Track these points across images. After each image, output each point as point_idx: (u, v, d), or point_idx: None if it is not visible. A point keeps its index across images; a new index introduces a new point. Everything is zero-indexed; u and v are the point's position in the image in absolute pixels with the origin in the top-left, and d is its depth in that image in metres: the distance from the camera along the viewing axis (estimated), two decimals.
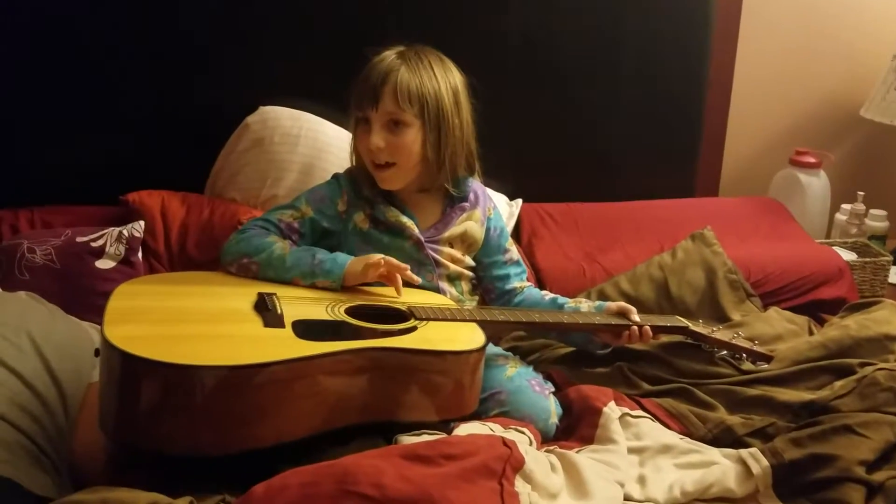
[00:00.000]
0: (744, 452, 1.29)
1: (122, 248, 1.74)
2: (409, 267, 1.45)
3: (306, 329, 1.28)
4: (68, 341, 1.43)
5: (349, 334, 1.30)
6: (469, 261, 1.63)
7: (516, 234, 2.08)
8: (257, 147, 1.90)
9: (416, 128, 1.49)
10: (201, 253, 1.81)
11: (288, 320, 1.30)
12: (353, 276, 1.44)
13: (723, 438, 1.39)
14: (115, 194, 1.86)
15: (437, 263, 1.56)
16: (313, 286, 1.45)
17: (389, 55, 1.50)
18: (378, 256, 1.44)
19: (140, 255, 1.77)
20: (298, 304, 1.38)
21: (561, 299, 1.62)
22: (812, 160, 2.31)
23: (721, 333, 1.59)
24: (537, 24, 2.07)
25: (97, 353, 1.25)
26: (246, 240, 1.48)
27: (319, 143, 1.91)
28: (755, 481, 1.25)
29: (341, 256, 1.47)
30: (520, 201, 2.12)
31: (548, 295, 1.65)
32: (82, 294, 1.66)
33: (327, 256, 1.47)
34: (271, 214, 1.55)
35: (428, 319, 1.39)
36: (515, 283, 1.65)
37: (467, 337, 1.37)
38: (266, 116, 1.92)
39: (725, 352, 1.58)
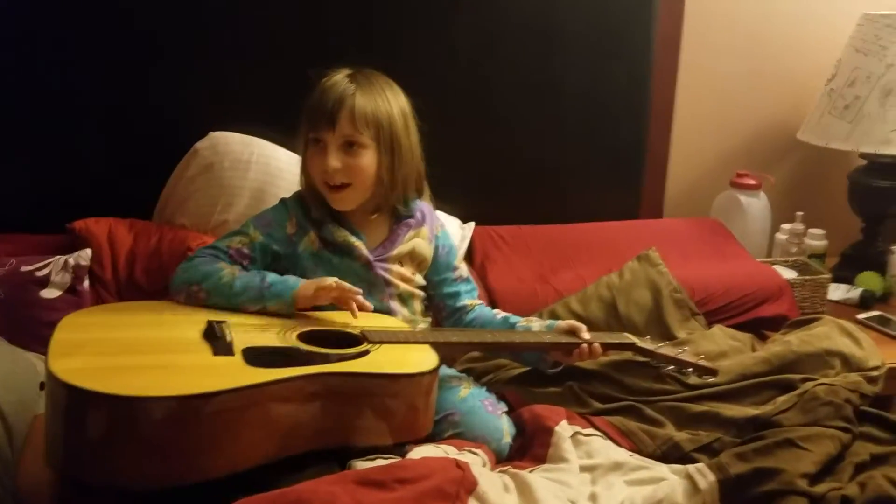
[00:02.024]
0: (691, 468, 1.32)
1: (67, 277, 1.71)
2: (361, 291, 1.46)
3: (257, 356, 1.27)
4: (12, 372, 1.40)
5: (301, 360, 1.30)
6: (420, 280, 1.64)
7: (469, 256, 2.09)
8: (207, 173, 1.89)
9: (371, 150, 1.51)
10: (150, 281, 1.78)
11: (238, 348, 1.29)
12: (303, 298, 1.44)
13: (671, 454, 1.42)
14: (62, 222, 1.83)
15: (388, 283, 1.57)
16: (264, 311, 1.44)
17: (340, 78, 1.52)
18: (331, 280, 1.45)
19: (87, 283, 1.74)
20: (249, 331, 1.37)
21: (513, 318, 1.65)
22: (752, 182, 2.38)
23: (667, 349, 1.62)
24: (484, 50, 2.11)
25: (42, 386, 1.22)
26: (193, 267, 1.48)
27: (271, 169, 1.91)
28: (702, 496, 1.27)
29: (292, 279, 1.47)
30: (472, 224, 2.14)
31: (499, 314, 1.67)
32: (27, 324, 1.62)
33: (277, 279, 1.47)
34: (220, 242, 1.55)
35: (381, 343, 1.39)
36: (466, 301, 1.67)
37: (420, 359, 1.38)
38: (216, 142, 1.91)
39: (672, 367, 1.61)
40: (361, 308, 1.45)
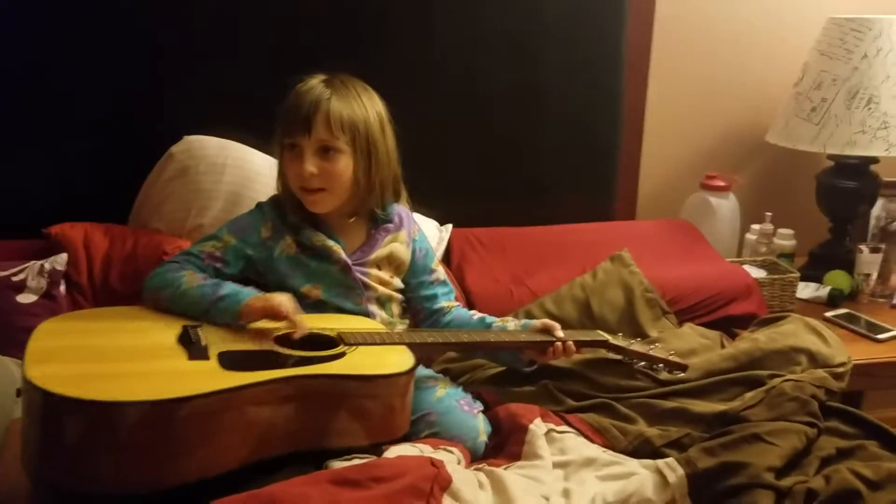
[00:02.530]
0: (661, 463, 1.34)
1: (43, 282, 1.70)
2: (308, 330, 1.41)
3: (232, 360, 1.28)
4: None
5: (277, 363, 1.30)
6: (398, 283, 1.65)
7: (447, 258, 2.11)
8: (182, 177, 1.89)
9: (347, 154, 1.51)
10: (125, 285, 1.78)
11: (213, 352, 1.30)
12: (249, 314, 1.40)
13: (642, 450, 1.44)
14: (37, 227, 1.83)
15: (366, 286, 1.59)
16: (213, 323, 1.41)
17: (316, 83, 1.52)
18: (280, 300, 1.41)
19: (63, 288, 1.74)
20: (224, 335, 1.37)
21: (489, 319, 1.67)
22: (721, 183, 2.42)
23: (638, 345, 1.65)
24: (462, 56, 2.13)
25: (18, 393, 1.22)
26: (160, 275, 1.48)
27: (247, 172, 1.91)
28: (672, 490, 1.30)
29: (244, 293, 1.44)
30: (450, 226, 2.16)
31: (476, 315, 1.69)
32: (3, 329, 1.62)
33: (230, 291, 1.43)
34: (194, 247, 1.55)
35: (357, 344, 1.40)
36: (443, 303, 1.68)
37: (396, 360, 1.39)
38: (191, 146, 1.92)
39: (644, 363, 1.64)
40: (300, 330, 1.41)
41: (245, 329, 1.40)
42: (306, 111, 1.48)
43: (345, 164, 1.52)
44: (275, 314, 1.40)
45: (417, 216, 1.81)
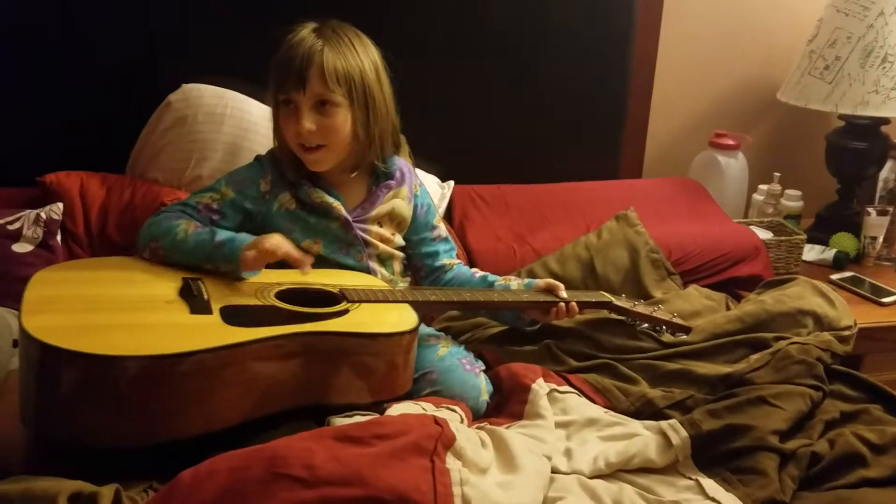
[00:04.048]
0: (664, 424, 1.34)
1: (39, 232, 1.68)
2: (309, 262, 1.41)
3: (235, 315, 1.26)
4: None
5: (280, 319, 1.29)
6: (399, 240, 1.62)
7: (448, 215, 2.09)
8: (180, 126, 1.85)
9: (345, 108, 1.47)
10: (122, 236, 1.75)
11: (215, 306, 1.28)
12: (246, 264, 1.38)
13: (644, 411, 1.43)
14: (32, 175, 1.79)
15: (367, 243, 1.56)
16: (216, 270, 1.39)
17: (306, 34, 1.46)
18: (272, 243, 1.38)
19: (59, 238, 1.71)
20: (226, 288, 1.36)
21: (491, 277, 1.65)
22: (730, 142, 2.39)
23: (642, 307, 1.64)
24: (466, 10, 2.07)
25: (16, 344, 1.21)
26: (157, 223, 1.45)
27: (245, 123, 1.87)
28: (675, 451, 1.29)
29: (240, 238, 1.41)
30: (451, 183, 2.13)
31: (478, 273, 1.67)
32: None
33: (227, 237, 1.40)
34: (190, 198, 1.52)
35: (360, 302, 1.38)
36: (444, 260, 1.66)
37: (400, 318, 1.38)
38: (189, 94, 1.87)
39: (647, 324, 1.63)
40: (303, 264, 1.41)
41: (247, 282, 1.38)
42: (299, 65, 1.42)
43: (343, 118, 1.47)
44: (272, 258, 1.37)
45: (418, 172, 1.78)
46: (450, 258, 1.68)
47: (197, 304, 1.28)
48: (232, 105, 1.88)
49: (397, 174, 1.62)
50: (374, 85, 1.49)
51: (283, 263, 1.44)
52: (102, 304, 1.25)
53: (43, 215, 1.70)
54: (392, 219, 1.61)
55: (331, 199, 1.53)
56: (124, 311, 1.25)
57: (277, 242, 1.39)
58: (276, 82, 1.47)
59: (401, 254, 1.63)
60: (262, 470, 1.04)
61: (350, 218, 1.54)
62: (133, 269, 1.41)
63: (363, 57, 1.48)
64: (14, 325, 1.42)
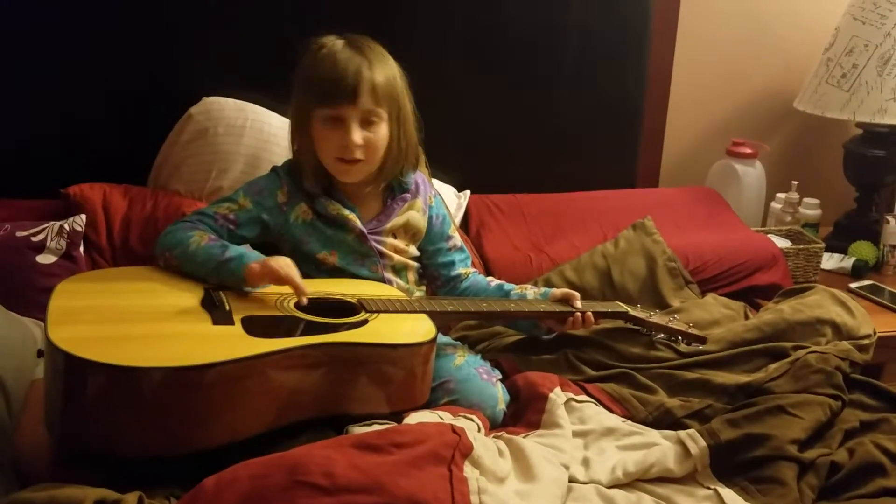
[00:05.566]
0: (682, 433, 1.33)
1: (63, 243, 1.70)
2: (307, 295, 1.38)
3: (256, 325, 1.27)
4: (10, 338, 1.40)
5: (300, 330, 1.30)
6: (414, 251, 1.63)
7: (465, 225, 2.10)
8: (201, 138, 1.88)
9: (385, 122, 1.50)
10: (144, 247, 1.77)
11: (237, 317, 1.29)
12: (251, 279, 1.38)
13: (662, 420, 1.43)
14: (56, 188, 1.82)
15: (382, 255, 1.57)
16: (222, 285, 1.39)
17: (342, 48, 1.47)
18: (278, 263, 1.38)
19: (82, 249, 1.74)
20: (247, 299, 1.37)
21: (507, 286, 1.65)
22: (748, 151, 2.38)
23: (658, 317, 1.64)
24: (482, 17, 2.09)
25: (40, 353, 1.22)
26: (172, 233, 1.47)
27: (265, 135, 1.90)
28: (693, 461, 1.29)
29: (249, 255, 1.41)
30: (468, 192, 2.14)
31: (493, 281, 1.67)
32: (23, 290, 1.62)
33: (236, 254, 1.41)
34: (208, 208, 1.53)
35: (378, 312, 1.39)
36: (460, 270, 1.67)
37: (418, 328, 1.38)
38: (210, 107, 1.90)
39: (663, 335, 1.63)
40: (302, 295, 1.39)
41: (267, 293, 1.40)
42: (352, 81, 1.44)
43: (384, 133, 1.50)
44: (275, 279, 1.38)
45: (435, 182, 1.78)
46: (465, 267, 1.69)
47: (219, 314, 1.29)
48: (252, 117, 1.91)
49: (412, 187, 1.63)
50: (403, 99, 1.52)
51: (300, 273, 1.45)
52: (126, 315, 1.27)
53: (66, 227, 1.72)
54: (407, 230, 1.62)
55: (346, 212, 1.54)
56: (148, 322, 1.26)
57: (282, 265, 1.38)
58: (320, 97, 1.47)
59: (416, 264, 1.64)
60: (283, 477, 1.05)
61: (365, 230, 1.55)
62: (154, 280, 1.42)
63: (396, 71, 1.51)
64: (38, 336, 1.45)
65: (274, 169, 1.60)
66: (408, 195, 1.62)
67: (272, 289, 1.42)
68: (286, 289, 1.41)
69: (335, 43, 1.49)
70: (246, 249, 1.45)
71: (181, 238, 1.44)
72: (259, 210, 1.53)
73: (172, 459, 1.17)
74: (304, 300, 1.37)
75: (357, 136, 1.47)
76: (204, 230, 1.48)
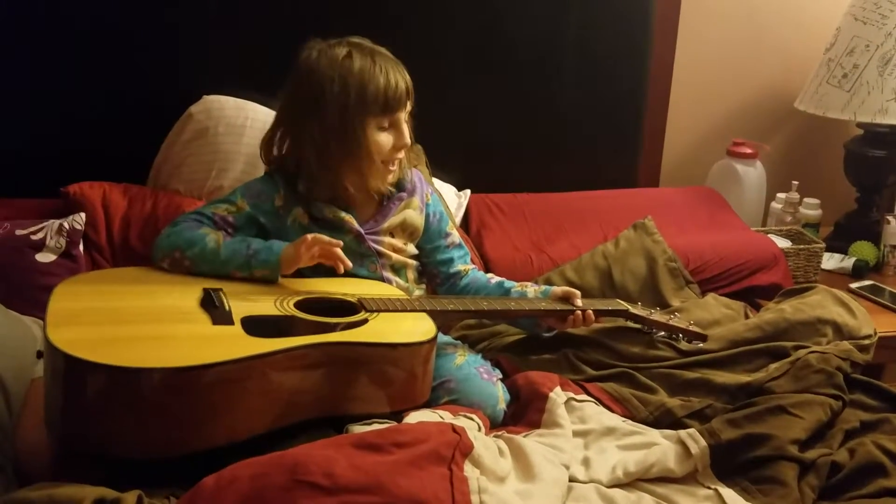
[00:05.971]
0: (683, 433, 1.33)
1: (62, 241, 1.70)
2: (341, 243, 1.45)
3: (256, 325, 1.27)
4: (9, 337, 1.40)
5: (300, 329, 1.30)
6: (412, 249, 1.63)
7: (465, 224, 2.10)
8: (201, 138, 1.88)
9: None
10: (144, 246, 1.77)
11: (237, 317, 1.29)
12: (288, 262, 1.43)
13: (663, 420, 1.43)
14: (56, 186, 1.82)
15: (380, 254, 1.57)
16: (251, 277, 1.43)
17: (380, 58, 1.48)
18: (307, 236, 1.43)
19: (81, 248, 1.74)
20: (246, 299, 1.36)
21: (507, 283, 1.65)
22: (748, 151, 2.38)
23: (659, 315, 1.64)
24: (482, 17, 2.09)
25: (40, 354, 1.22)
26: (178, 233, 1.46)
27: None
28: (694, 461, 1.29)
29: (275, 244, 1.46)
30: (468, 192, 2.14)
31: (493, 278, 1.67)
32: (22, 288, 1.62)
33: (261, 246, 1.45)
34: (206, 208, 1.53)
35: (378, 311, 1.39)
36: (459, 267, 1.67)
37: (419, 328, 1.38)
38: (210, 106, 1.90)
39: (663, 333, 1.62)
40: (343, 263, 1.44)
41: (266, 292, 1.39)
42: (404, 87, 1.49)
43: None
44: (323, 254, 1.42)
45: (436, 181, 1.78)
46: (464, 264, 1.69)
47: (218, 314, 1.29)
48: (252, 116, 1.90)
49: (408, 185, 1.63)
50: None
51: (300, 272, 1.46)
52: (126, 316, 1.27)
53: (66, 225, 1.72)
54: (404, 229, 1.62)
55: (343, 214, 1.54)
56: (147, 323, 1.26)
57: (315, 238, 1.43)
58: (383, 107, 1.47)
59: (414, 262, 1.64)
60: (283, 477, 1.05)
61: (362, 231, 1.55)
62: (153, 281, 1.42)
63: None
64: (38, 335, 1.44)
65: (268, 172, 1.60)
66: (404, 194, 1.62)
67: (272, 289, 1.42)
68: (287, 288, 1.41)
69: (363, 54, 1.47)
70: (265, 241, 1.47)
71: (191, 237, 1.45)
72: (256, 213, 1.53)
73: (172, 460, 1.17)
74: (341, 269, 1.43)
75: (408, 136, 1.51)
76: (211, 229, 1.48)
